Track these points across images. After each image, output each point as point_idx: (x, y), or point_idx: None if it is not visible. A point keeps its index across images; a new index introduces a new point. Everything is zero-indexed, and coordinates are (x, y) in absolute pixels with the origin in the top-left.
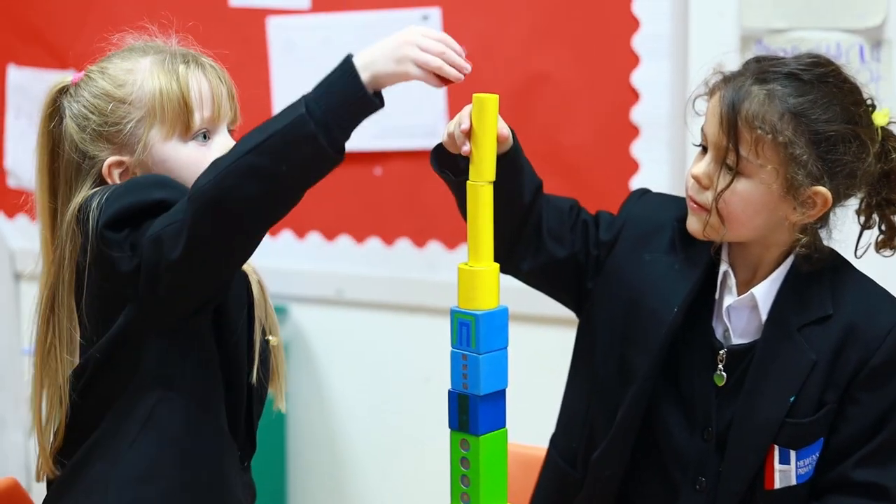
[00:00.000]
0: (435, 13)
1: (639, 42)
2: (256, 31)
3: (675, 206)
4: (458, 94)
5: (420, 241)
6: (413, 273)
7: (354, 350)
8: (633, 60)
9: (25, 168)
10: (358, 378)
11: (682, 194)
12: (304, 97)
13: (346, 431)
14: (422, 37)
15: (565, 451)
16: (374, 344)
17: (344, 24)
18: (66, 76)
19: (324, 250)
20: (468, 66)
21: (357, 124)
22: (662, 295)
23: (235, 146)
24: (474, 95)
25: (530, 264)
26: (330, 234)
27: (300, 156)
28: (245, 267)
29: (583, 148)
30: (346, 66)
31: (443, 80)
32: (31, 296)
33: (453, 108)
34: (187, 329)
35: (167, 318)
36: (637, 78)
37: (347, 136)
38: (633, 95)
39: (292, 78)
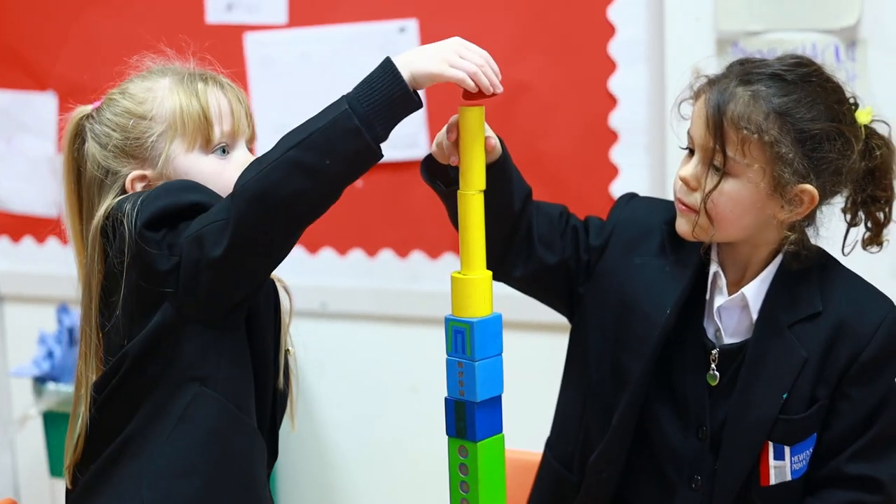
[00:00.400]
0: (412, 25)
1: (615, 48)
2: (234, 47)
3: (663, 210)
4: (438, 105)
5: (403, 252)
6: (397, 284)
7: (341, 362)
8: (610, 66)
9: (4, 190)
10: (345, 390)
11: (661, 197)
12: (344, 96)
13: (335, 443)
14: (464, 47)
15: (561, 455)
16: (360, 355)
17: (321, 38)
18: (86, 106)
19: (307, 264)
20: (500, 88)
21: (398, 121)
22: (654, 298)
23: (278, 144)
24: (461, 107)
25: (522, 271)
26: (313, 248)
27: (344, 150)
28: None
29: (563, 154)
30: (387, 66)
31: (477, 92)
32: (15, 317)
33: (433, 120)
34: (223, 326)
35: (205, 314)
36: (614, 84)
37: (388, 132)
38: (611, 101)
39: (271, 93)
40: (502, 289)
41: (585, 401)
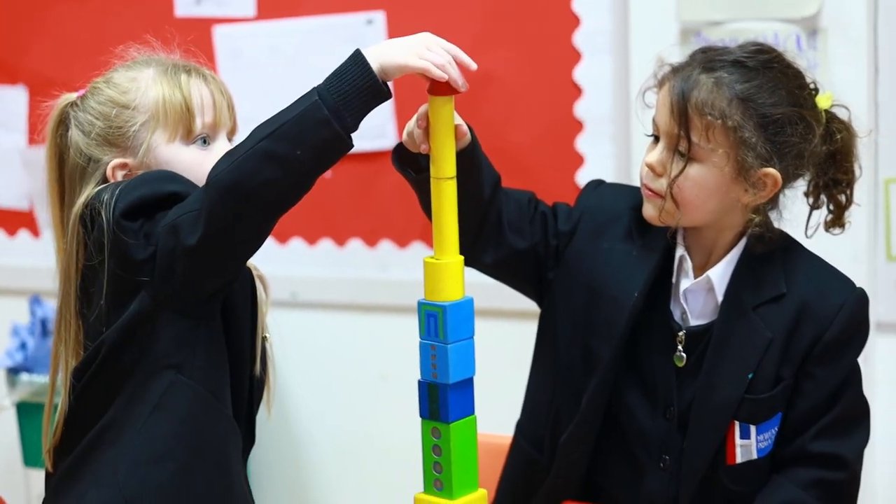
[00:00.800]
0: (379, 17)
1: (580, 39)
2: (203, 40)
3: (629, 196)
4: (406, 97)
5: (371, 241)
6: (366, 273)
7: (311, 351)
8: (575, 57)
9: None
10: (315, 378)
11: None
12: (315, 87)
13: (306, 431)
14: (433, 41)
15: (532, 437)
16: (329, 344)
17: (289, 30)
18: (71, 94)
19: (276, 253)
20: (465, 86)
21: (368, 111)
22: (622, 282)
23: (250, 135)
24: (431, 96)
25: (493, 257)
26: (282, 238)
27: (314, 140)
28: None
29: (529, 144)
30: (357, 57)
31: (447, 85)
32: None
33: (401, 111)
34: (199, 316)
35: (180, 303)
36: (579, 74)
37: (359, 122)
38: (576, 91)
39: (240, 85)
40: (472, 276)
41: (555, 385)
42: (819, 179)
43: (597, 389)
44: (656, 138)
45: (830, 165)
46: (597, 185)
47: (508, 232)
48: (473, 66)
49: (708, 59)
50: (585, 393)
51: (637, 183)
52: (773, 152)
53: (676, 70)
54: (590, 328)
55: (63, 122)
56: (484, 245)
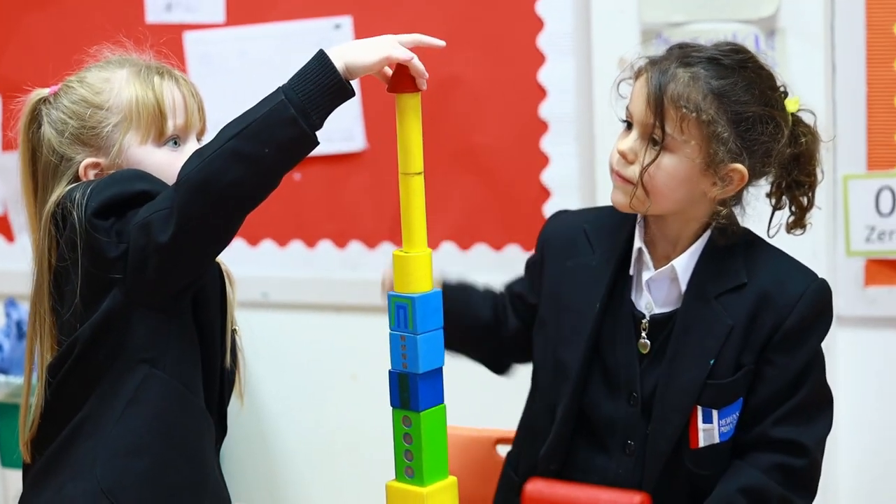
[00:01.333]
0: (346, 22)
1: (544, 41)
2: (173, 46)
3: (584, 214)
4: (373, 98)
5: (341, 242)
6: (336, 273)
7: (282, 351)
8: (539, 59)
9: None
10: (287, 378)
11: (591, 184)
12: (280, 87)
13: (279, 430)
14: (396, 41)
15: (513, 459)
16: (300, 344)
17: (258, 35)
18: (44, 90)
19: (248, 255)
20: (425, 84)
21: (332, 108)
22: (585, 294)
23: (218, 135)
24: (398, 94)
25: (516, 359)
26: (253, 240)
27: (281, 139)
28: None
29: (495, 145)
30: (321, 57)
31: (408, 82)
32: None
33: (368, 114)
34: (171, 310)
35: (152, 298)
36: (543, 75)
37: (324, 120)
38: (541, 92)
39: (210, 90)
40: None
41: (533, 404)
42: (783, 180)
43: (570, 398)
44: (629, 125)
45: (794, 167)
46: (557, 214)
47: (505, 333)
48: (441, 43)
49: (685, 54)
50: (560, 403)
51: (603, 178)
52: (742, 148)
53: (654, 63)
54: (557, 341)
55: (35, 119)
56: (506, 360)
